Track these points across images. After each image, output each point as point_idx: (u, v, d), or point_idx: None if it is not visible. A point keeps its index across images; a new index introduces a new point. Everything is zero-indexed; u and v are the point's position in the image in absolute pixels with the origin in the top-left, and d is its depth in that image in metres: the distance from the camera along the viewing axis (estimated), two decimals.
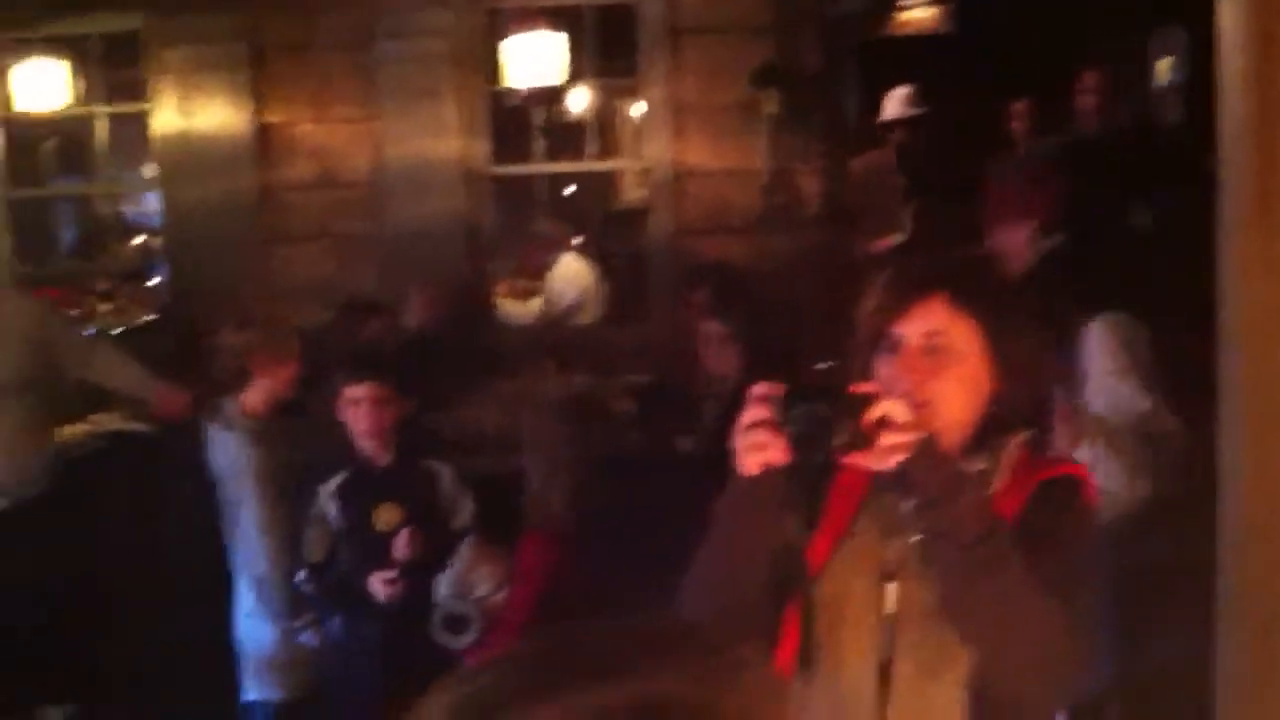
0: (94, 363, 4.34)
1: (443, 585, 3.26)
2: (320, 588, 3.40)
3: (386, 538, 3.30)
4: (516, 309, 6.41)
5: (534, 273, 6.54)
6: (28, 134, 6.87)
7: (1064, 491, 1.76)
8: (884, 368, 1.74)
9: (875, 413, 1.57)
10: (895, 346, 1.73)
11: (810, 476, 1.72)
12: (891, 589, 1.72)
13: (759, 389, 1.61)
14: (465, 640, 3.18)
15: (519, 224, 6.80)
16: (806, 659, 1.78)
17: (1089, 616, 1.69)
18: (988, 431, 1.75)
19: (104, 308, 6.80)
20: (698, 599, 1.77)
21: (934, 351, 1.71)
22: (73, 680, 4.10)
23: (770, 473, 1.61)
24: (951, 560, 1.61)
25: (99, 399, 4.57)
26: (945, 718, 1.69)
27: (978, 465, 1.73)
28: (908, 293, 1.74)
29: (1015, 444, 1.76)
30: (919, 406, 1.65)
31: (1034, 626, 1.60)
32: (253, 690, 3.62)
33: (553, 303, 6.29)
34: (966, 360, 1.72)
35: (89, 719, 4.10)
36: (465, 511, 3.45)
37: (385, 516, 3.35)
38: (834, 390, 1.59)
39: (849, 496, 1.79)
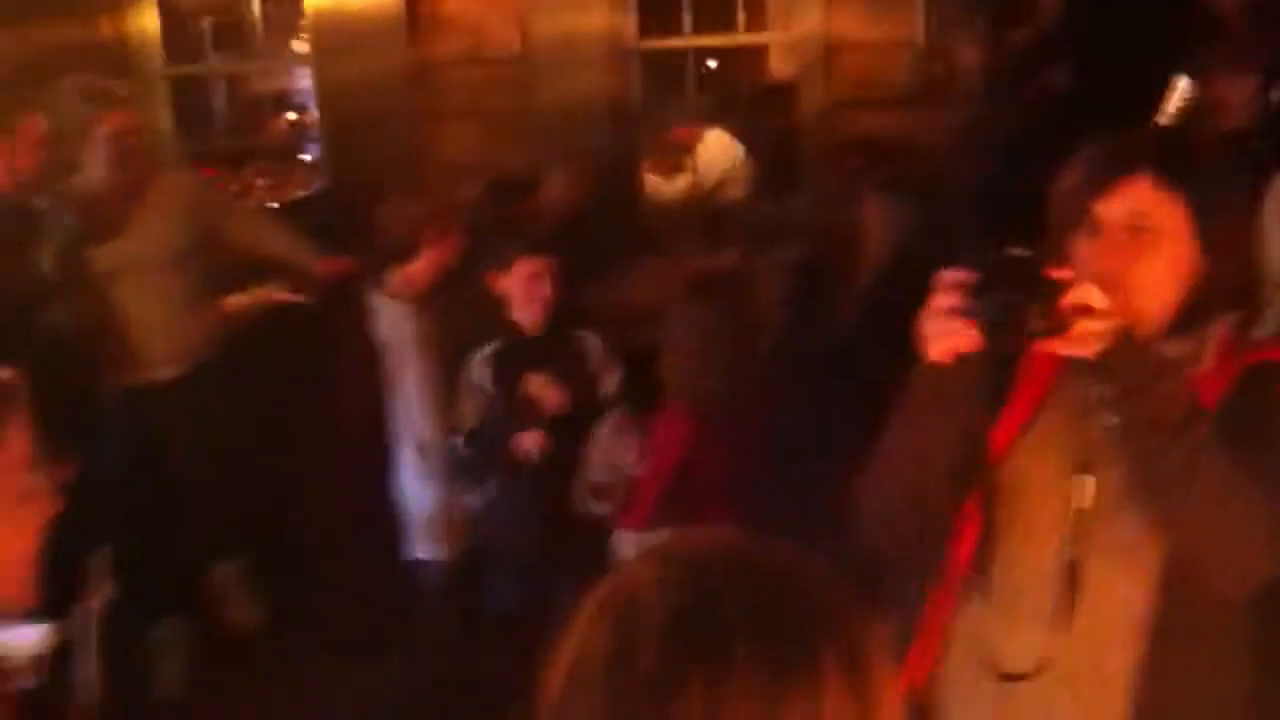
0: (252, 233, 4.47)
1: (590, 454, 3.33)
2: (476, 453, 3.50)
3: (536, 404, 3.37)
4: (663, 185, 6.37)
5: (681, 149, 6.48)
6: (184, 12, 7.00)
7: (1270, 376, 1.67)
8: (1082, 249, 1.66)
9: (1071, 298, 1.51)
10: (1095, 227, 1.66)
11: (999, 361, 1.67)
12: (1087, 482, 1.67)
13: (950, 274, 1.56)
14: (606, 508, 3.25)
15: (666, 99, 6.72)
16: (985, 549, 1.75)
17: None
18: (1192, 313, 1.68)
19: (260, 183, 6.98)
20: (881, 487, 1.76)
21: (1137, 232, 1.64)
22: (242, 540, 4.30)
23: (960, 360, 1.57)
24: (1152, 448, 1.55)
25: (260, 270, 4.71)
26: (1131, 610, 1.66)
27: (1181, 347, 1.66)
28: (1110, 170, 1.66)
29: (1221, 326, 1.69)
30: (1119, 288, 1.58)
31: (1236, 516, 1.55)
32: (420, 549, 3.75)
33: (699, 179, 6.25)
34: (1171, 241, 1.64)
35: (261, 575, 4.29)
36: (612, 382, 3.52)
37: (535, 384, 3.41)
38: (1027, 275, 1.52)
39: (1037, 380, 1.74)
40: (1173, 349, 1.66)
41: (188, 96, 7.02)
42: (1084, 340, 1.53)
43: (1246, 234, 1.71)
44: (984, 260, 1.55)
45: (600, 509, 3.30)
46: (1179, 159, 1.66)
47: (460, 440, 3.52)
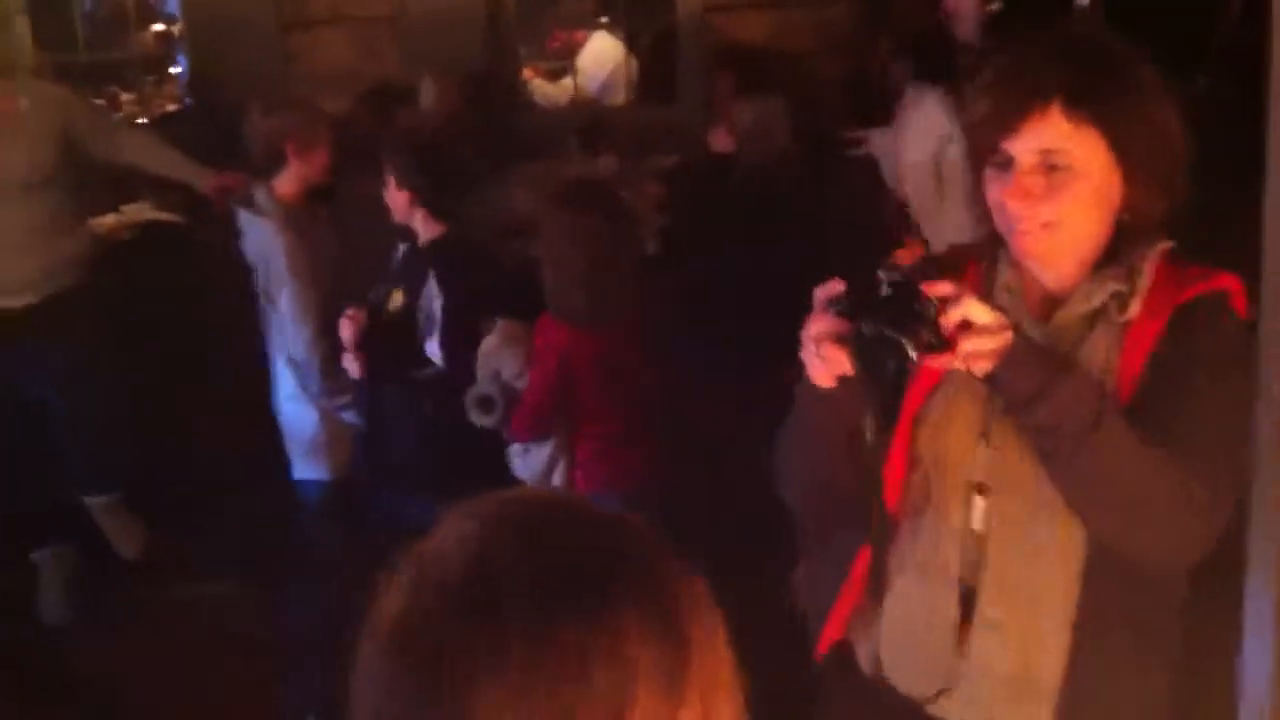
0: (125, 147, 4.28)
1: (477, 367, 3.31)
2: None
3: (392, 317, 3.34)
4: (547, 90, 6.29)
5: (563, 53, 6.40)
6: None
7: (1206, 314, 1.55)
8: (995, 186, 1.56)
9: (954, 316, 1.41)
10: (1006, 165, 1.54)
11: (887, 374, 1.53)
12: (977, 503, 1.60)
13: (823, 292, 1.47)
14: (492, 420, 3.23)
15: (545, 2, 6.62)
16: (908, 523, 1.69)
17: (1235, 461, 1.53)
18: (1122, 244, 1.57)
19: (127, 97, 6.73)
20: (788, 476, 1.73)
21: (1052, 170, 1.51)
22: (112, 472, 4.19)
23: (843, 383, 1.49)
24: (1060, 451, 1.47)
25: (129, 190, 4.55)
26: (1060, 576, 1.58)
27: (1113, 286, 1.57)
28: (1017, 105, 1.52)
29: (1154, 256, 1.58)
30: (1040, 230, 1.52)
31: (1156, 502, 1.47)
32: (302, 470, 3.70)
33: (584, 83, 6.18)
34: (1091, 174, 1.52)
35: (132, 508, 4.21)
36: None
37: (394, 300, 3.38)
38: (905, 296, 1.42)
39: (929, 374, 1.62)
40: (1106, 285, 1.57)
41: (47, 7, 6.70)
42: (970, 359, 1.44)
43: (1170, 156, 1.56)
44: (860, 284, 1.45)
45: (486, 421, 3.27)
46: (1088, 86, 1.52)
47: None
